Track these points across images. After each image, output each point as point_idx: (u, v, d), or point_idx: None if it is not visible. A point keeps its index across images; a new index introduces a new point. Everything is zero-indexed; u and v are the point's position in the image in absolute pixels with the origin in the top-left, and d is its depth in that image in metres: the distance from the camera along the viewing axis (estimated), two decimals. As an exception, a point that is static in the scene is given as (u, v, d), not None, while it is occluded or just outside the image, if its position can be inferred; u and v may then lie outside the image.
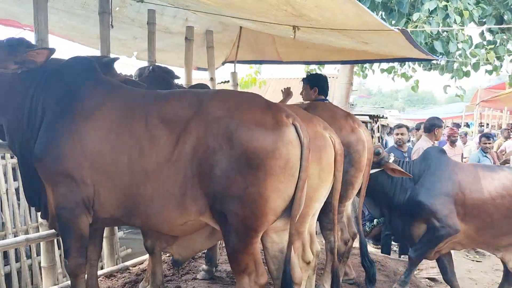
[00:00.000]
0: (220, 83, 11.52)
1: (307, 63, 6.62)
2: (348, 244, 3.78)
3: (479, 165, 4.47)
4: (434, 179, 4.06)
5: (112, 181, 2.60)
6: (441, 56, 6.52)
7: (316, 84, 4.43)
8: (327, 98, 4.56)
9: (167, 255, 4.33)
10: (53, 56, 3.18)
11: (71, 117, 2.67)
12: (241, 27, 5.92)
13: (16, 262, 4.99)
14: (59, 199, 2.68)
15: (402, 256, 5.69)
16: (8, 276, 4.92)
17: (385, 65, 9.35)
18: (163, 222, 2.59)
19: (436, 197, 3.95)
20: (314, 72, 4.53)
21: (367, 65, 9.36)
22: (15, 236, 5.10)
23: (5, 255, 4.87)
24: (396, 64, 9.28)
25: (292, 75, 15.16)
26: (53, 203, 2.73)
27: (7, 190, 4.99)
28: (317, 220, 3.44)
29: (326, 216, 3.46)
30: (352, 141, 3.47)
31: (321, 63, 6.58)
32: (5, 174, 5.00)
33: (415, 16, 6.25)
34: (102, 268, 4.14)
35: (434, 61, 7.32)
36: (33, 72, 2.83)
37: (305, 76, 4.67)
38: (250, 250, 2.45)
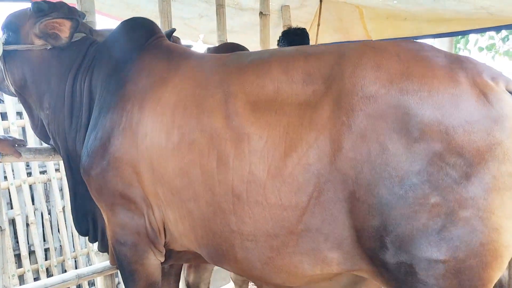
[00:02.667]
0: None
1: (403, 39, 5.55)
2: None
3: None
4: None
5: (183, 204, 1.75)
6: None
7: (291, 41, 3.46)
8: None
9: None
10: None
11: (123, 106, 1.86)
12: (321, 1, 5.01)
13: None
14: (115, 230, 1.92)
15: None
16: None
17: (483, 42, 8.02)
18: (276, 273, 1.65)
19: None
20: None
21: (461, 43, 8.09)
22: (75, 261, 4.48)
23: None
24: (497, 40, 7.93)
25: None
26: (110, 236, 1.97)
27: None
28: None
29: None
30: None
31: (419, 38, 5.45)
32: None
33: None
34: None
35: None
36: (75, 46, 2.12)
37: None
38: None
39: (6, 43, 2.12)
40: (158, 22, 3.16)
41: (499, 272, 1.37)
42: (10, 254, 4.04)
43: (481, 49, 7.85)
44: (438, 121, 1.29)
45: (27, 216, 4.36)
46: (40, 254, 4.34)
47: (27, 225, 4.37)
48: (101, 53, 2.10)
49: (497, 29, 5.18)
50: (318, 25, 5.13)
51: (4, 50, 2.11)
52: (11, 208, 4.28)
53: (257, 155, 1.55)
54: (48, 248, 4.49)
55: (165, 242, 1.95)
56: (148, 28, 2.12)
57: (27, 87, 2.18)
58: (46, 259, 4.42)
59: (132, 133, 1.82)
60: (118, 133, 1.85)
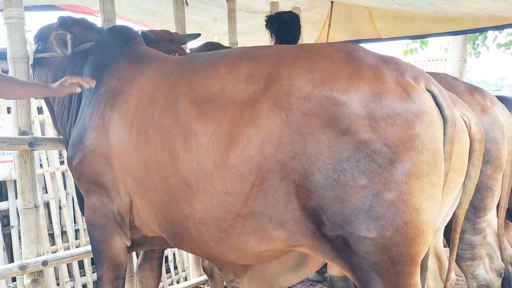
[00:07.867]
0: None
1: (411, 37, 5.70)
2: (504, 275, 2.60)
3: None
4: None
5: (146, 193, 1.98)
6: None
7: (273, 29, 3.20)
8: None
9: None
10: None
11: (98, 105, 2.16)
12: (332, 2, 5.26)
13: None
14: (88, 213, 2.20)
15: None
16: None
17: (502, 39, 8.01)
18: (228, 251, 1.85)
19: None
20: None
21: (479, 40, 8.10)
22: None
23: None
24: (516, 37, 7.90)
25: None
26: (85, 218, 2.25)
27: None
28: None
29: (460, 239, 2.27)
30: (485, 126, 2.30)
31: (427, 36, 5.60)
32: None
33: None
34: (186, 279, 3.68)
35: None
36: (83, 52, 2.43)
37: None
38: None
39: (36, 51, 2.49)
40: (173, 26, 3.54)
41: (425, 247, 1.54)
42: (45, 233, 4.48)
43: (499, 45, 7.86)
44: (362, 116, 1.48)
45: (59, 200, 4.73)
46: (71, 233, 4.71)
47: (60, 208, 4.74)
48: (89, 58, 2.38)
49: (499, 28, 5.30)
50: (329, 25, 5.38)
51: (34, 58, 2.48)
52: (46, 192, 4.68)
53: (203, 149, 1.73)
54: (78, 229, 4.84)
55: (136, 227, 2.18)
56: (126, 35, 2.40)
57: None
58: (76, 239, 4.79)
59: (104, 129, 2.09)
60: (93, 129, 2.13)
